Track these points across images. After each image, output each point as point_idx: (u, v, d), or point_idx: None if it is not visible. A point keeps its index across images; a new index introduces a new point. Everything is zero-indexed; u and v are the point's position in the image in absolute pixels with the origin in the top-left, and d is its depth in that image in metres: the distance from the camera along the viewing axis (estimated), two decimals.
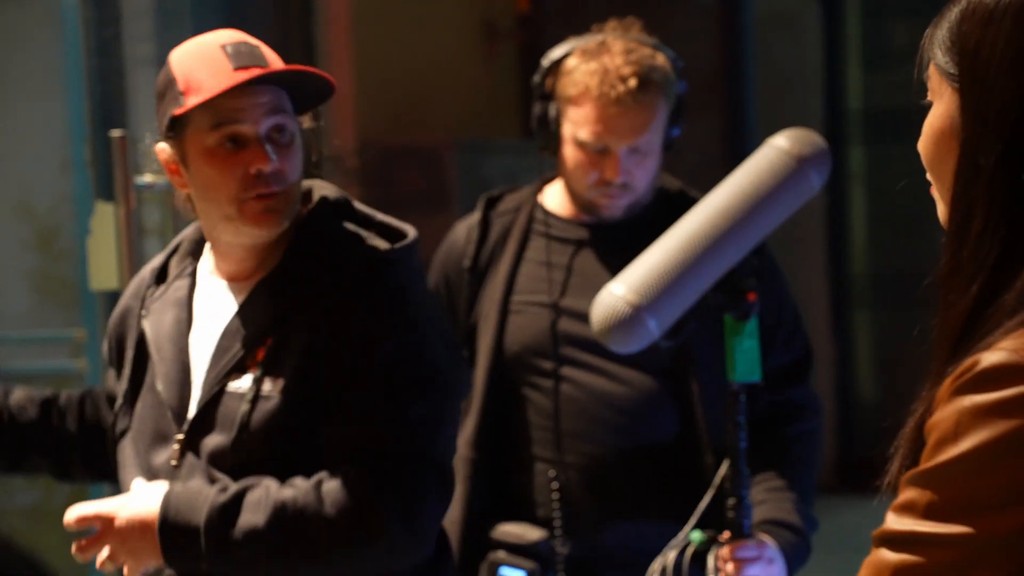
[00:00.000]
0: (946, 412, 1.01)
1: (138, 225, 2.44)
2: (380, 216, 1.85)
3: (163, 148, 1.77)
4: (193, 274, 1.85)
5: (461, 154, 5.59)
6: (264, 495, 1.66)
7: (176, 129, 1.74)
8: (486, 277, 2.35)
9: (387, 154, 5.54)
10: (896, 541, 1.01)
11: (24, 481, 5.02)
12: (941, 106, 1.10)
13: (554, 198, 2.37)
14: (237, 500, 1.66)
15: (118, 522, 1.66)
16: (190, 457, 1.75)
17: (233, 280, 1.81)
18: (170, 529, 1.66)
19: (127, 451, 1.83)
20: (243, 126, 1.71)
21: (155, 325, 1.83)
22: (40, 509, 5.12)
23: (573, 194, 2.31)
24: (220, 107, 1.70)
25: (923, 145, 1.13)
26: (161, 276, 1.88)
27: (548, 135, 2.29)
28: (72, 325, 3.46)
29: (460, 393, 1.84)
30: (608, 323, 1.98)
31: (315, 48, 5.41)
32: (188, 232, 1.89)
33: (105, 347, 1.95)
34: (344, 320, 1.70)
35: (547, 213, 2.35)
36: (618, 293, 1.98)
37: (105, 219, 2.42)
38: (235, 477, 1.71)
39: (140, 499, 1.69)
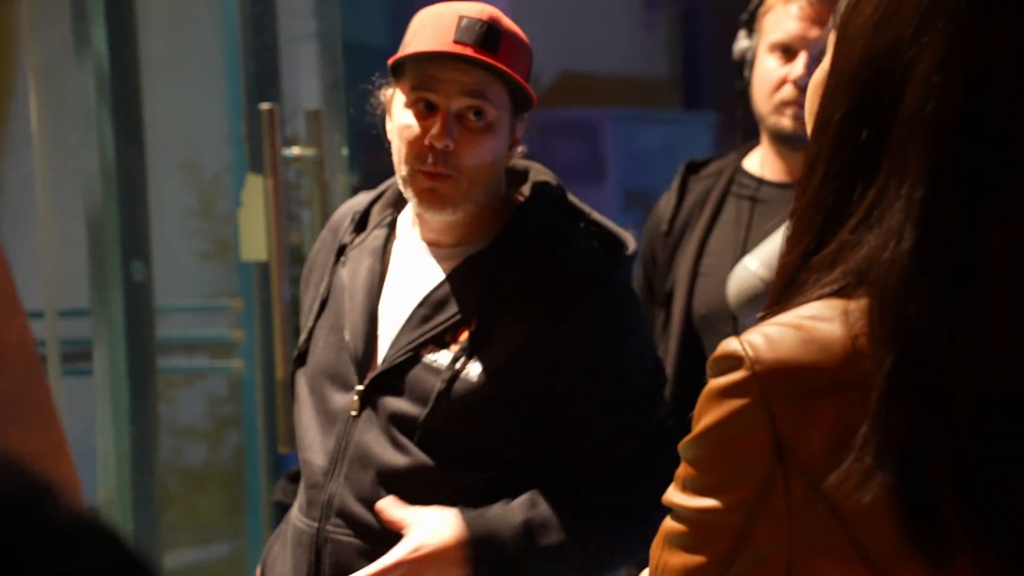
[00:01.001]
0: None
1: (286, 197, 2.45)
2: (594, 214, 1.81)
3: (385, 91, 1.78)
4: (392, 224, 1.84)
5: (617, 125, 5.53)
6: (553, 515, 1.70)
7: (396, 77, 1.74)
8: (681, 242, 2.39)
9: (541, 125, 5.51)
10: (671, 510, 1.09)
11: (193, 438, 5.17)
12: (825, 58, 1.12)
13: (757, 161, 2.39)
14: (531, 522, 1.70)
15: (419, 556, 1.67)
16: (369, 411, 1.74)
17: (434, 245, 1.79)
18: (477, 549, 1.68)
19: (302, 388, 1.82)
20: (435, 96, 1.69)
21: (351, 273, 1.82)
22: (204, 470, 5.27)
23: (765, 128, 2.34)
24: (424, 70, 1.69)
25: (807, 96, 1.15)
26: (362, 223, 1.86)
27: (745, 71, 2.35)
28: (234, 295, 3.54)
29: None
30: (741, 297, 1.99)
31: None
32: (394, 180, 1.84)
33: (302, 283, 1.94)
34: (567, 323, 1.69)
35: (749, 176, 2.38)
36: (752, 268, 1.98)
37: (255, 191, 2.45)
38: (419, 447, 1.71)
39: (432, 530, 1.68)
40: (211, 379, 5.08)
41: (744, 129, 2.39)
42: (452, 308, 1.73)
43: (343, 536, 1.73)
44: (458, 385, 1.70)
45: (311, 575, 1.75)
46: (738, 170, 2.41)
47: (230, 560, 4.94)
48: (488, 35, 1.69)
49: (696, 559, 1.05)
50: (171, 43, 3.86)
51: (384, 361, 1.75)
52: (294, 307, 2.17)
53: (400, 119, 1.72)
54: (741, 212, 2.36)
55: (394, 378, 1.73)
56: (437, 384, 1.70)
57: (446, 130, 1.67)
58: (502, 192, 1.78)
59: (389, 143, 1.74)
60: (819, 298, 1.05)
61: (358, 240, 1.84)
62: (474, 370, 1.70)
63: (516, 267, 1.72)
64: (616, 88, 5.97)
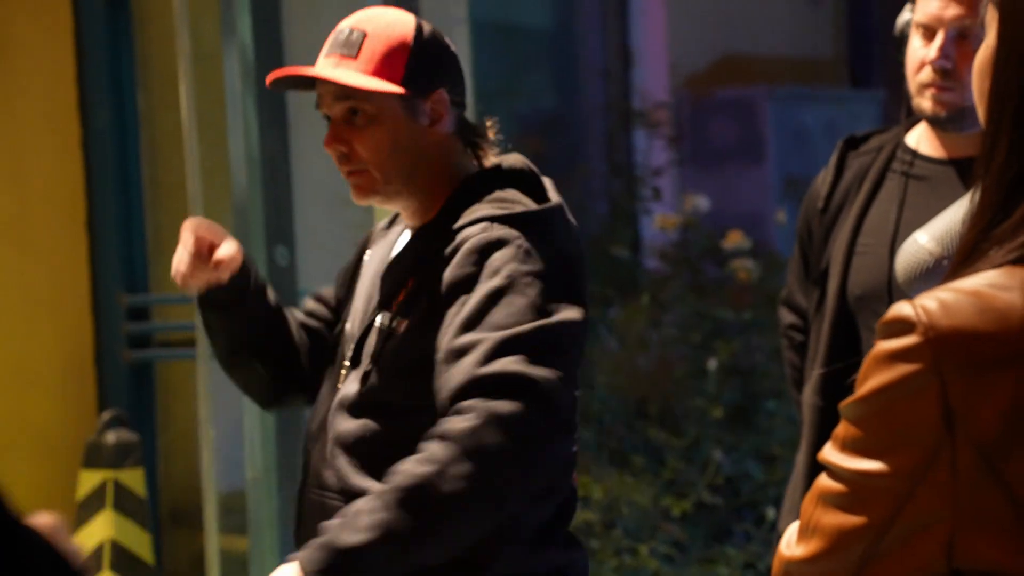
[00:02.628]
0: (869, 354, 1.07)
1: None
2: (552, 192, 1.86)
3: None
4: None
5: (777, 104, 5.39)
6: (373, 498, 1.66)
7: None
8: (838, 219, 2.34)
9: (700, 106, 5.41)
10: (826, 468, 1.08)
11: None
12: (988, 37, 1.10)
13: (919, 136, 2.33)
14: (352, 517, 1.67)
15: None
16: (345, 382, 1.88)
17: (408, 228, 1.93)
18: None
19: (324, 375, 1.95)
20: (323, 109, 1.86)
21: (368, 262, 1.96)
22: None
23: (919, 110, 2.28)
24: (317, 92, 1.87)
25: (973, 77, 1.13)
26: (395, 218, 2.00)
27: (903, 47, 2.31)
28: None
29: (565, 350, 1.72)
30: (910, 273, 1.91)
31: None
32: None
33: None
34: (458, 281, 1.76)
35: (910, 152, 2.32)
36: (922, 242, 1.90)
37: None
38: (361, 409, 1.80)
39: None
40: None
41: (908, 104, 2.31)
42: (394, 274, 1.86)
43: (318, 497, 1.84)
44: (389, 343, 1.81)
45: (297, 527, 1.90)
46: (899, 145, 2.34)
47: None
48: (350, 40, 1.84)
49: (853, 520, 1.04)
50: (313, 30, 3.90)
51: (357, 336, 1.88)
52: None
53: None
54: (899, 189, 2.30)
55: (360, 348, 1.86)
56: (376, 343, 1.83)
57: (333, 136, 1.84)
58: (450, 170, 1.86)
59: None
60: (999, 266, 1.03)
61: (384, 232, 1.99)
62: (400, 326, 1.81)
63: (445, 231, 1.81)
64: (779, 68, 5.81)
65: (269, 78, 1.87)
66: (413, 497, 1.64)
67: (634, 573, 3.75)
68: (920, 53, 2.26)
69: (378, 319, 1.83)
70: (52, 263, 3.90)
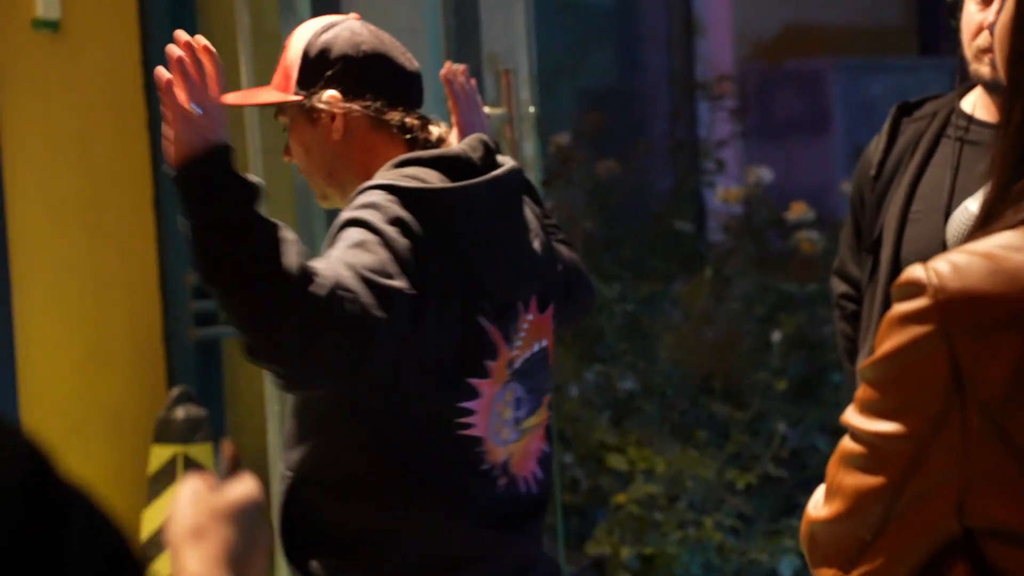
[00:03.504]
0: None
1: None
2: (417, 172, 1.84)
3: None
4: None
5: (843, 75, 5.32)
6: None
7: None
8: (891, 186, 2.31)
9: (765, 78, 5.35)
10: (848, 430, 1.10)
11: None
12: (1010, 2, 1.11)
13: (974, 101, 2.31)
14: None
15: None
16: None
17: None
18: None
19: None
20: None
21: None
22: None
23: (976, 75, 2.25)
24: None
25: (995, 40, 1.13)
26: None
27: (957, 12, 2.29)
28: None
29: (379, 315, 1.67)
30: (961, 240, 1.88)
31: None
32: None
33: None
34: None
35: (966, 117, 2.29)
36: (972, 210, 1.86)
37: None
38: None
39: None
40: None
41: (963, 69, 2.28)
42: None
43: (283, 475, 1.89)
44: None
45: None
46: (954, 110, 2.31)
47: None
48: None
49: (870, 481, 1.05)
50: (371, 8, 3.92)
51: None
52: None
53: None
54: (953, 154, 2.26)
55: None
56: None
57: (285, 150, 1.98)
58: (377, 163, 1.86)
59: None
60: (1014, 227, 1.03)
61: None
62: None
63: None
64: (845, 37, 5.74)
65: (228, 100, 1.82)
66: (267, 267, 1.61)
67: (699, 546, 3.74)
68: (977, 18, 2.23)
69: None
70: (121, 244, 3.96)
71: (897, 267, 2.26)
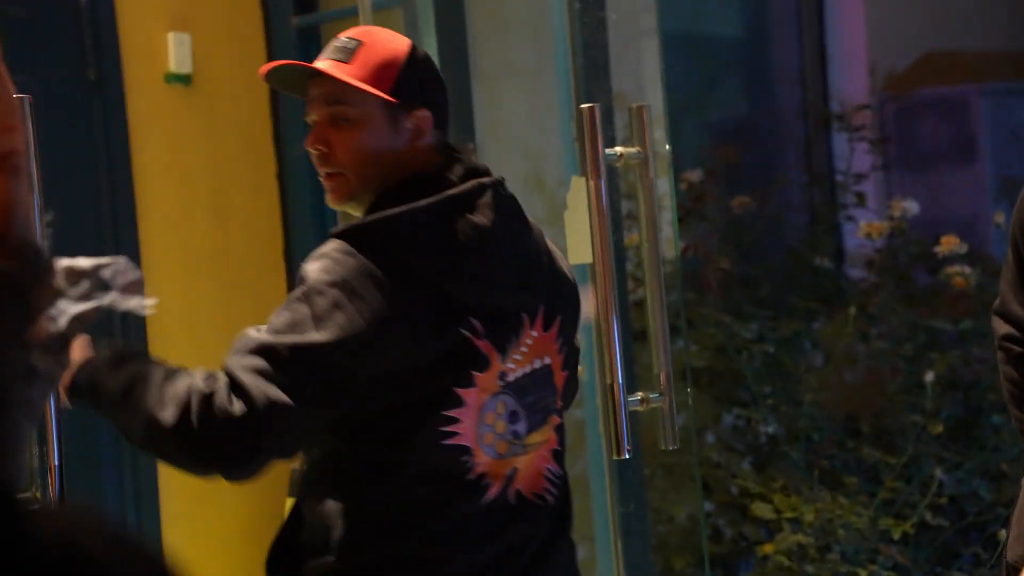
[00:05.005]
0: None
1: (623, 198, 2.35)
2: (486, 212, 1.89)
3: None
4: None
5: (990, 100, 5.11)
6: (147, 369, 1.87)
7: None
8: None
9: (904, 106, 5.18)
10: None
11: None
12: None
13: None
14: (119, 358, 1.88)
15: None
16: None
17: None
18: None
19: None
20: (310, 115, 1.95)
21: None
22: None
23: None
24: (304, 97, 1.97)
25: None
26: None
27: None
28: None
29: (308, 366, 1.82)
30: None
31: None
32: None
33: None
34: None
35: None
36: None
37: (579, 193, 2.40)
38: None
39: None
40: None
41: None
42: None
43: None
44: None
45: None
46: None
47: (584, 564, 4.90)
48: (344, 49, 1.93)
49: None
50: (499, 48, 3.87)
51: None
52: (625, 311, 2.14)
53: None
54: None
55: None
56: None
57: (315, 137, 1.92)
58: (403, 183, 1.91)
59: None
60: None
61: None
62: None
63: None
64: (988, 63, 5.53)
65: (264, 69, 1.96)
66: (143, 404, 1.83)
67: None
68: None
69: None
70: (254, 296, 3.96)
71: None
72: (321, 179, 1.95)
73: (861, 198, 4.68)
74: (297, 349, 1.79)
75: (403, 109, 1.90)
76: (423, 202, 1.84)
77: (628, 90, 3.75)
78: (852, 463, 3.96)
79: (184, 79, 3.81)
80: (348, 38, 1.94)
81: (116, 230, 3.69)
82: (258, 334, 1.85)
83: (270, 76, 1.99)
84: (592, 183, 2.27)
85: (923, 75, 5.30)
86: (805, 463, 3.94)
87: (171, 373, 1.86)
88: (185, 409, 1.79)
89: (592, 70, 2.79)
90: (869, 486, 3.87)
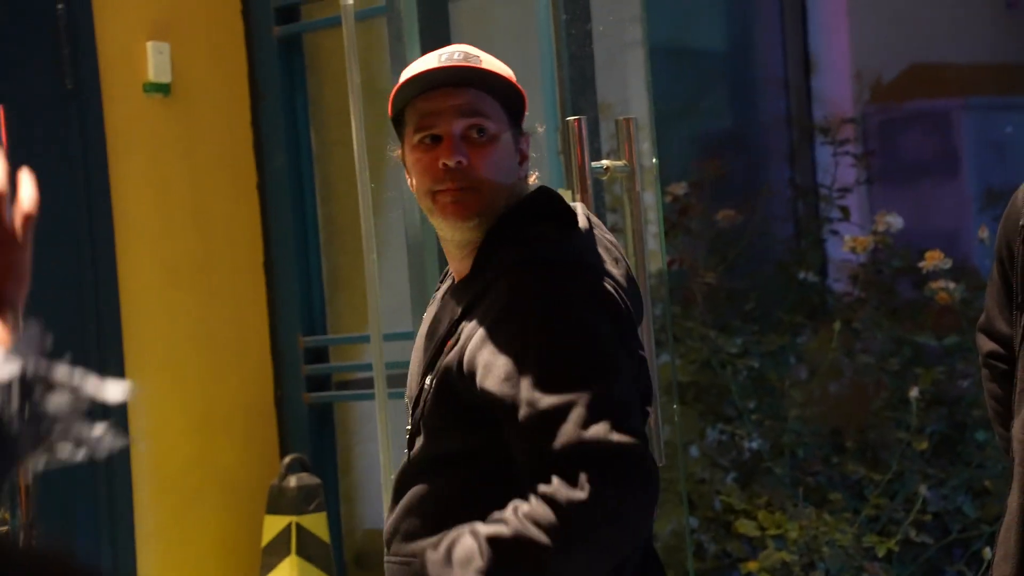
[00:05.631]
0: None
1: (607, 210, 2.32)
2: (581, 218, 1.85)
3: (396, 151, 1.90)
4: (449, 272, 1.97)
5: (973, 114, 5.10)
6: (473, 541, 1.68)
7: (400, 131, 1.87)
8: None
9: (888, 119, 5.16)
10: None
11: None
12: None
13: None
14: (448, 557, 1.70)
15: None
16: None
17: (456, 279, 1.90)
18: None
19: None
20: (436, 128, 1.81)
21: (422, 323, 1.96)
22: None
23: None
24: (420, 110, 1.82)
25: None
26: (446, 275, 2.00)
27: None
28: None
29: (611, 384, 1.72)
30: None
31: (806, 9, 5.15)
32: None
33: None
34: (483, 324, 1.76)
35: None
36: None
37: None
38: (410, 473, 1.83)
39: None
40: None
41: None
42: (436, 333, 1.86)
43: (391, 563, 1.86)
44: (422, 397, 1.84)
45: None
46: None
47: None
48: (467, 57, 1.82)
49: None
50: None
51: (410, 399, 1.90)
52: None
53: (412, 159, 1.84)
54: None
55: (415, 413, 1.87)
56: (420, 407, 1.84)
57: (454, 149, 1.79)
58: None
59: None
60: None
61: (436, 291, 1.98)
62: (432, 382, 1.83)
63: (477, 281, 1.82)
64: (972, 76, 5.51)
65: (415, 73, 1.82)
66: (517, 557, 1.65)
67: None
68: None
69: (427, 382, 1.84)
70: (233, 307, 3.91)
71: None
72: (438, 194, 1.81)
73: (845, 212, 4.65)
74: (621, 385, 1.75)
75: (519, 130, 1.86)
76: (581, 229, 1.83)
77: (614, 102, 3.72)
78: (837, 479, 3.93)
79: (163, 88, 3.77)
80: (464, 54, 1.84)
81: (93, 241, 3.64)
82: (579, 393, 1.71)
83: (413, 83, 1.82)
84: (578, 196, 2.24)
85: (907, 88, 5.28)
86: (790, 479, 3.90)
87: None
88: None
89: (578, 82, 2.76)
90: (854, 502, 3.84)
